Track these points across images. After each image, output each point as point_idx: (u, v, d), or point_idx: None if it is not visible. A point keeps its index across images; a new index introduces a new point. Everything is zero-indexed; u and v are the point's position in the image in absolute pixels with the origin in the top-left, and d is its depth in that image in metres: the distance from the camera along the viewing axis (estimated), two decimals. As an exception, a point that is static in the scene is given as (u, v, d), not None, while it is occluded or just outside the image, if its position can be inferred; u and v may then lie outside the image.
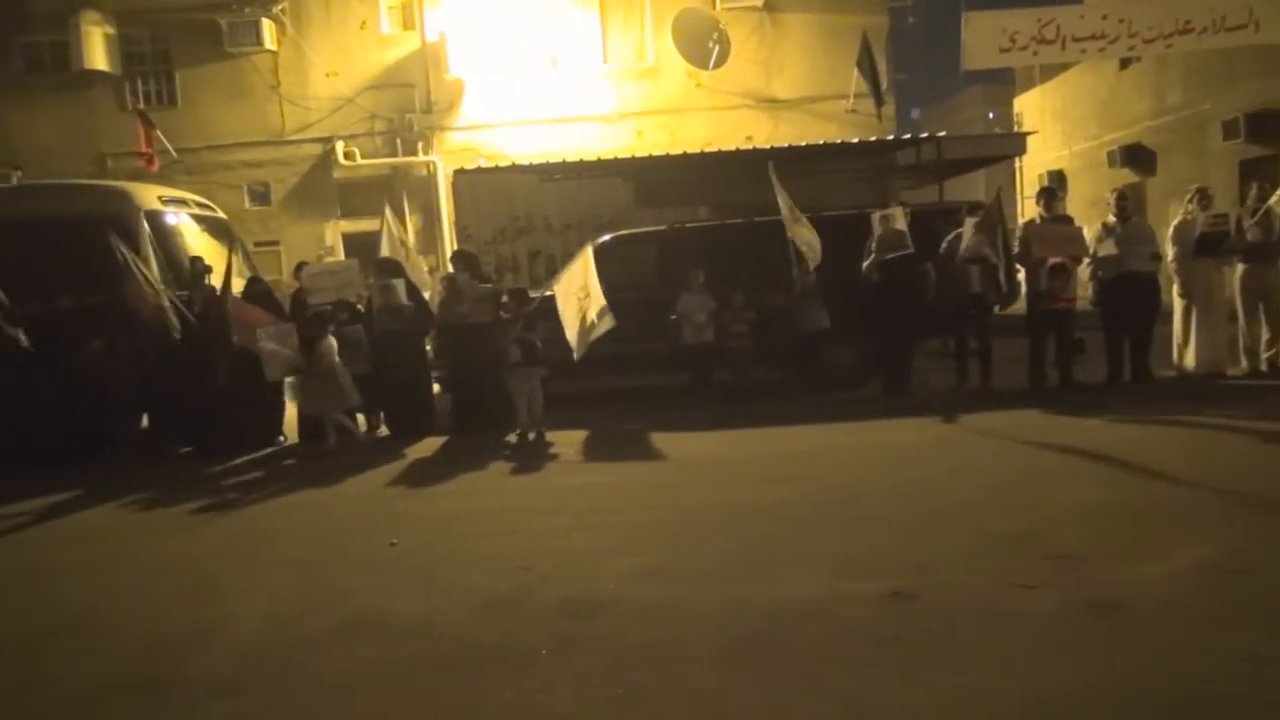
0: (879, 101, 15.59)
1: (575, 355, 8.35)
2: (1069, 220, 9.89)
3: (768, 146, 13.23)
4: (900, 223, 9.04)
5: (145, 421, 9.47)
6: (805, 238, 9.16)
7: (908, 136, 13.53)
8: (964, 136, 16.40)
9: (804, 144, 13.00)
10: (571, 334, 8.38)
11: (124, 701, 3.52)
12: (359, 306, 9.26)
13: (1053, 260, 8.93)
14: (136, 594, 4.82)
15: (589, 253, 8.58)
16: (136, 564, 5.44)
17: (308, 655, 3.83)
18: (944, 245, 9.31)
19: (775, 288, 9.52)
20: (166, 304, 8.63)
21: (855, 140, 13.46)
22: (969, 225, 9.05)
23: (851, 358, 9.89)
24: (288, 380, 8.98)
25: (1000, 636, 3.55)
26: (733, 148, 14.10)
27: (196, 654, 3.92)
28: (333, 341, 8.59)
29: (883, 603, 3.94)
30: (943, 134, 13.42)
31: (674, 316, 9.46)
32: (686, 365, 9.86)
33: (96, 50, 18.10)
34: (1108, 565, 4.24)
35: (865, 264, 9.20)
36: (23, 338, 8.42)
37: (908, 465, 6.56)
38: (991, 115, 38.88)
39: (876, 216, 9.13)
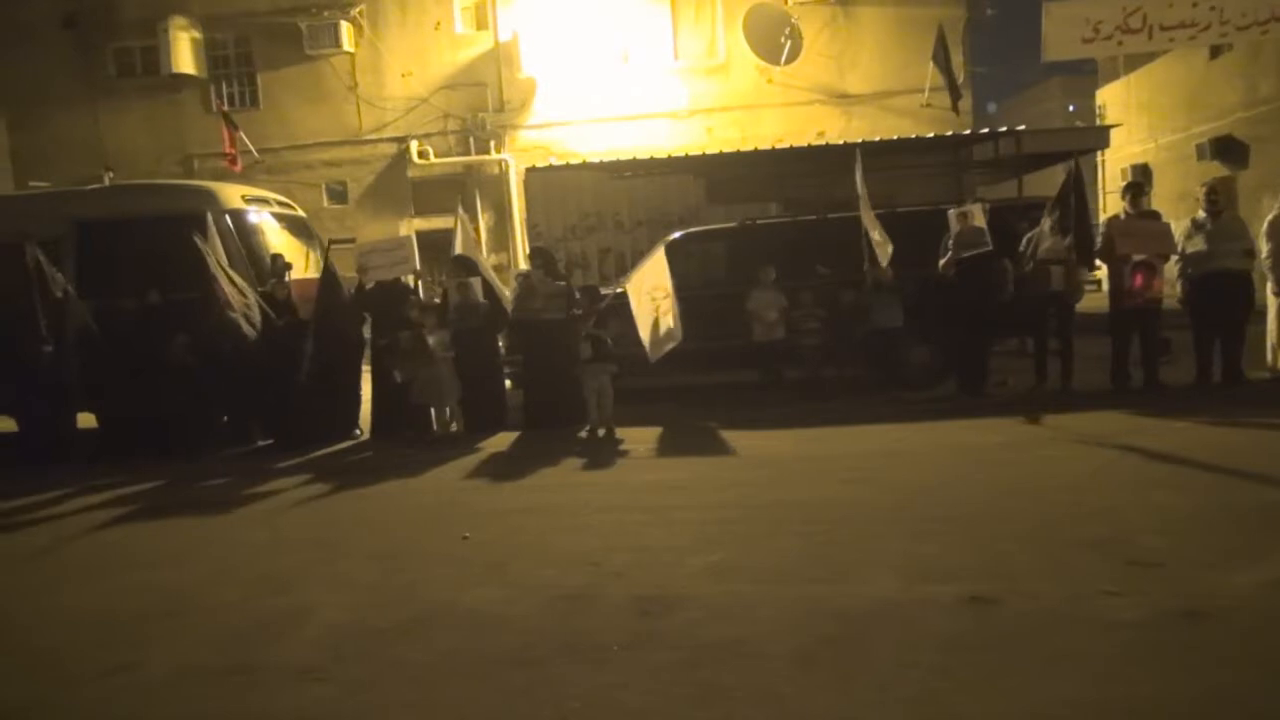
0: (956, 95, 15.30)
1: (650, 358, 8.40)
2: (1155, 216, 9.56)
3: (840, 142, 13.05)
4: (979, 220, 8.86)
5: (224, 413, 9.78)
6: (877, 239, 9.05)
7: (985, 131, 13.22)
8: (1044, 130, 15.93)
9: (878, 139, 12.80)
10: (645, 334, 8.43)
11: (214, 685, 3.64)
12: (437, 301, 9.42)
13: (1138, 257, 8.66)
14: (222, 581, 4.98)
15: (662, 252, 8.61)
16: (221, 552, 5.61)
17: (387, 645, 3.91)
18: (1023, 242, 9.10)
19: (848, 285, 9.41)
20: (250, 300, 8.91)
21: (931, 135, 13.22)
22: (1047, 222, 8.83)
23: (926, 357, 9.72)
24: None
25: (1086, 645, 3.45)
26: (804, 144, 13.95)
27: (281, 640, 4.03)
28: (446, 335, 8.74)
29: (961, 607, 3.86)
30: (1022, 127, 13.08)
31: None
32: (757, 362, 9.82)
33: (183, 54, 18.74)
34: (1196, 573, 4.09)
35: (942, 261, 9.03)
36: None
37: (984, 467, 6.42)
38: (1072, 108, 37.87)
39: (954, 213, 8.96)
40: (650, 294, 8.47)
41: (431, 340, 8.64)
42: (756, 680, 3.35)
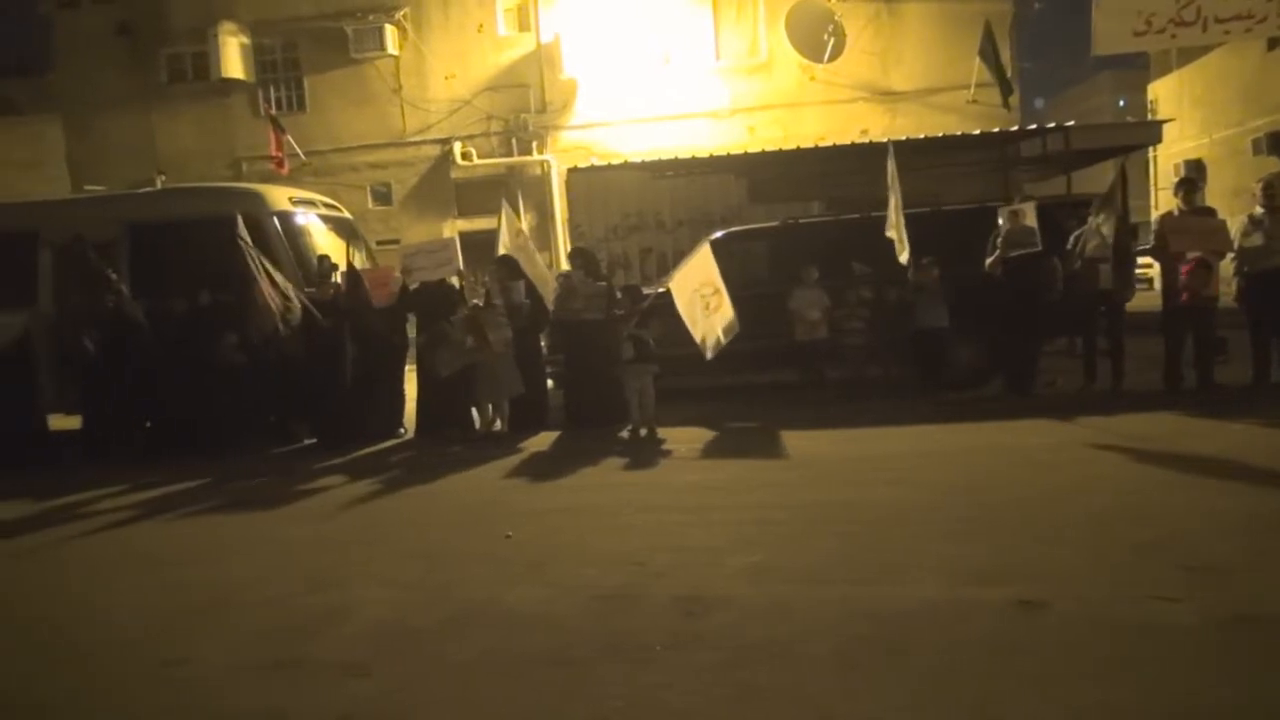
0: (1006, 90, 15.08)
1: (707, 354, 8.38)
2: (1210, 212, 9.32)
3: (884, 140, 12.93)
4: (1030, 219, 8.72)
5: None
6: (895, 237, 8.96)
7: (1034, 127, 13.01)
8: (1094, 125, 15.67)
9: (923, 136, 12.65)
10: (696, 332, 8.42)
11: (259, 679, 3.69)
12: (477, 302, 9.48)
13: (1191, 255, 8.45)
14: (266, 578, 5.04)
15: (708, 248, 8.58)
16: (266, 549, 5.69)
17: (429, 642, 3.94)
18: (1072, 240, 8.93)
19: (892, 284, 9.31)
20: (295, 301, 9.04)
21: (977, 131, 13.04)
22: (1095, 220, 8.66)
23: (972, 357, 9.57)
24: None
25: (1139, 651, 3.37)
26: (848, 142, 13.83)
27: (325, 636, 4.08)
28: (508, 332, 8.80)
29: (1009, 611, 3.79)
30: (1071, 123, 12.85)
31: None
32: (799, 362, 9.75)
33: (233, 59, 19.10)
34: (1253, 579, 3.98)
35: (989, 260, 8.90)
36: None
37: (1031, 469, 6.31)
38: (1122, 103, 37.15)
39: (1005, 212, 8.83)
40: (698, 291, 8.45)
41: (492, 336, 8.70)
42: (797, 682, 3.32)
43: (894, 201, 9.05)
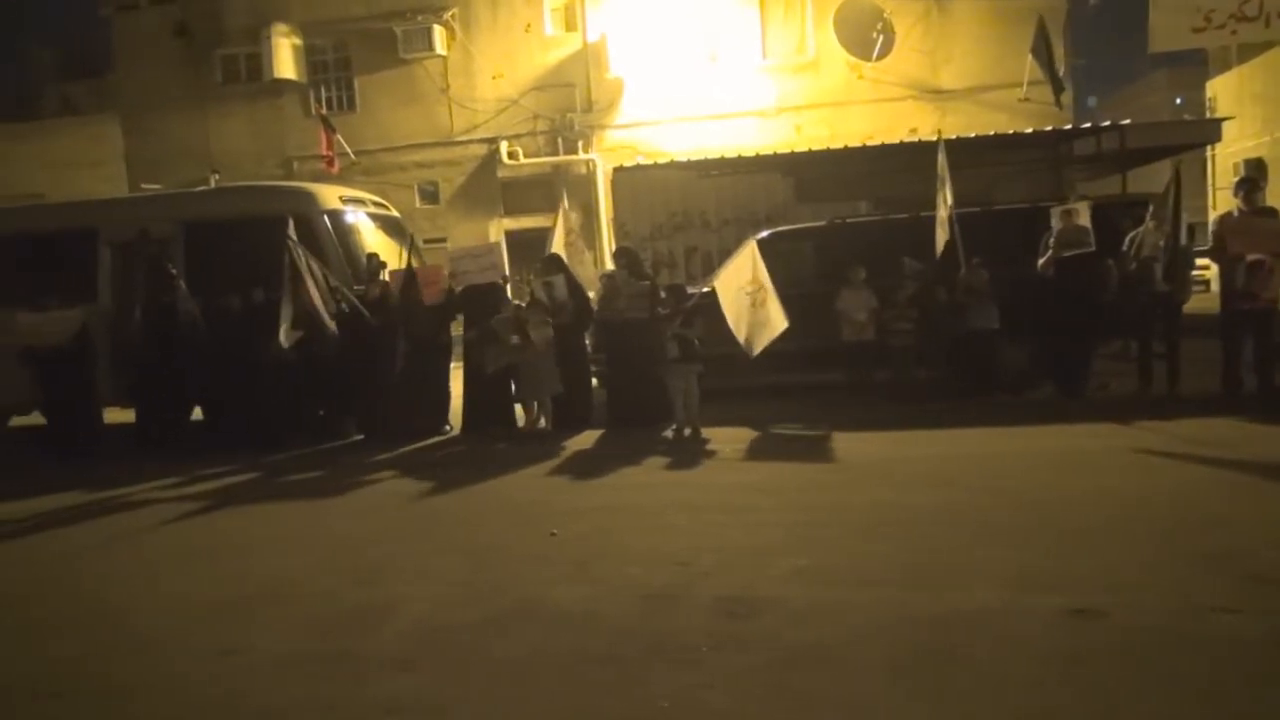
0: (1058, 89, 14.79)
1: (751, 353, 8.34)
2: (1271, 213, 9.05)
3: (933, 138, 12.77)
4: (1083, 218, 8.56)
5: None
6: (940, 232, 8.84)
7: (1088, 125, 12.75)
8: (1150, 124, 15.30)
9: (973, 135, 12.46)
10: (741, 331, 8.37)
11: (310, 670, 3.74)
12: (519, 302, 9.54)
13: (1251, 256, 8.22)
14: (315, 571, 5.11)
15: (753, 246, 8.53)
16: (315, 543, 5.77)
17: (475, 638, 3.95)
18: (1127, 241, 8.74)
19: (941, 284, 9.17)
20: (343, 298, 9.16)
21: (1030, 130, 12.82)
22: (1151, 221, 8.47)
23: (1023, 358, 9.40)
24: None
25: (1202, 664, 3.28)
26: (896, 141, 13.68)
27: (373, 630, 4.12)
28: (549, 331, 8.86)
29: (1064, 619, 3.71)
30: (1126, 121, 12.57)
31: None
32: (845, 363, 9.65)
33: (285, 60, 19.40)
34: (1321, 591, 3.86)
35: (1041, 260, 8.74)
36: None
37: (1084, 474, 6.17)
38: (1179, 100, 36.27)
39: (1058, 211, 8.68)
40: (743, 289, 8.41)
41: (534, 334, 8.74)
42: (847, 688, 3.28)
43: (942, 196, 8.92)
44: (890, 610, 3.94)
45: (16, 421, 11.17)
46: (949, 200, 8.94)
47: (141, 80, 20.43)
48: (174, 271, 9.50)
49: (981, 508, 5.47)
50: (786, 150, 13.39)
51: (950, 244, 8.92)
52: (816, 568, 4.59)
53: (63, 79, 26.42)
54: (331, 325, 8.98)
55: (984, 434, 7.70)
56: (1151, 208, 8.64)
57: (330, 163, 18.35)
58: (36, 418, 10.12)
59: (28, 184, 20.96)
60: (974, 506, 5.51)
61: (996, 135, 12.52)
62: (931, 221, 9.27)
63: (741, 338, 8.42)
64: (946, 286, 9.08)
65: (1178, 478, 5.97)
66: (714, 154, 13.70)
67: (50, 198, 17.47)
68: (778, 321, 8.26)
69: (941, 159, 9.07)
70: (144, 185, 17.94)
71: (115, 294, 9.91)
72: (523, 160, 19.14)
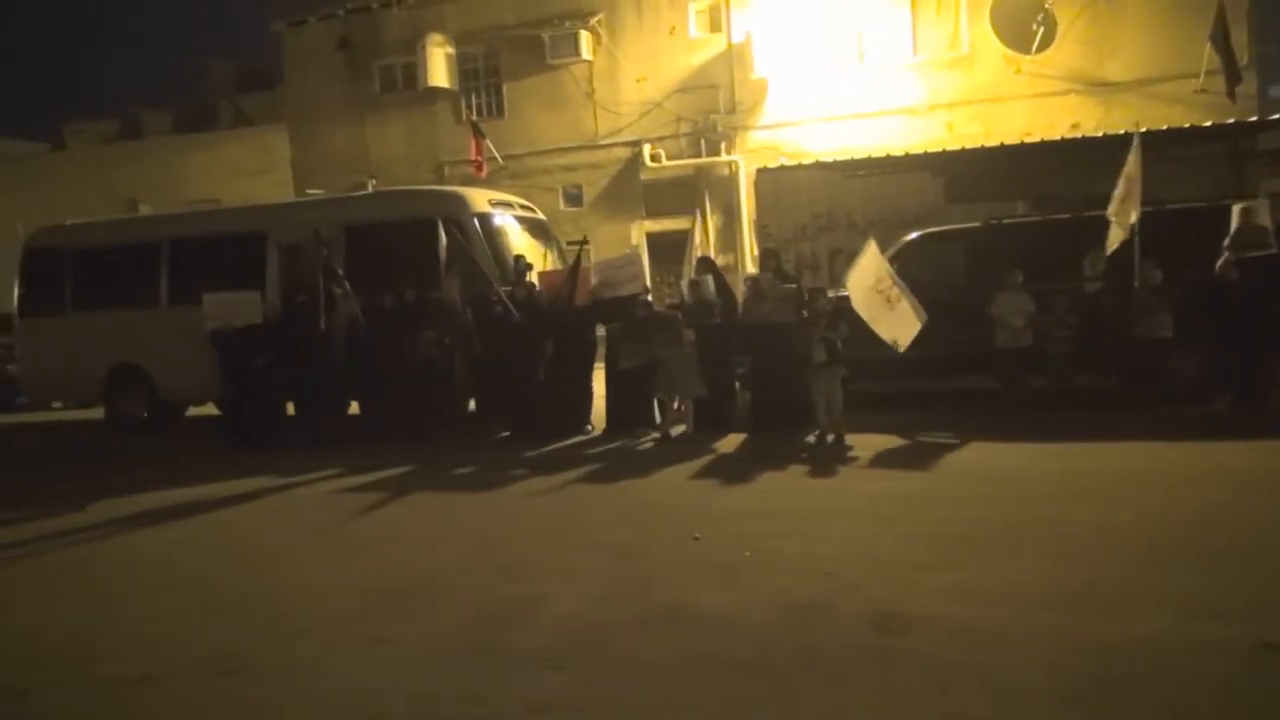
0: (1234, 79, 13.75)
1: (900, 347, 8.14)
2: None
3: (1099, 134, 12.08)
4: (1263, 218, 7.96)
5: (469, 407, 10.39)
6: (1117, 237, 8.32)
7: (1276, 117, 11.79)
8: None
9: (1143, 129, 11.71)
10: (882, 329, 8.18)
11: (458, 664, 3.82)
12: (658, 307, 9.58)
13: None
14: (464, 565, 5.25)
15: (874, 245, 8.38)
16: (464, 537, 5.92)
17: (622, 639, 3.96)
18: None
19: (1107, 289, 8.66)
20: (494, 298, 9.41)
21: (1209, 124, 11.95)
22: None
23: (1195, 368, 8.76)
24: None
25: None
26: (1057, 137, 13.01)
27: (520, 627, 4.18)
28: (690, 334, 8.90)
29: (1250, 654, 3.42)
30: (1320, 112, 11.57)
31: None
32: (1000, 370, 9.24)
33: (438, 69, 20.16)
34: None
35: (1219, 262, 8.14)
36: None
37: (1262, 494, 5.70)
38: (1378, 89, 33.11)
39: (1237, 209, 8.07)
40: (874, 288, 8.23)
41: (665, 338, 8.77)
42: (1014, 714, 3.11)
43: (1121, 191, 8.41)
44: (1054, 633, 3.72)
45: (193, 411, 12.03)
46: (1138, 201, 8.40)
47: (307, 91, 21.65)
48: (340, 272, 9.99)
49: (1146, 527, 5.13)
50: (937, 148, 12.93)
51: (1126, 246, 8.40)
52: (970, 584, 4.39)
53: (237, 92, 28.23)
54: (508, 303, 9.27)
55: (1150, 448, 7.22)
56: None
57: (479, 167, 18.95)
58: (210, 409, 10.84)
59: (205, 190, 22.58)
60: (1138, 526, 5.17)
61: (1174, 129, 11.71)
62: (1095, 222, 8.76)
63: (886, 336, 8.21)
64: (1119, 290, 8.56)
65: (1381, 503, 5.43)
66: (860, 154, 13.38)
67: (224, 203, 18.76)
68: (916, 317, 8.02)
69: (1134, 156, 8.54)
70: (308, 190, 19.00)
71: (280, 292, 10.53)
72: (665, 163, 19.23)
